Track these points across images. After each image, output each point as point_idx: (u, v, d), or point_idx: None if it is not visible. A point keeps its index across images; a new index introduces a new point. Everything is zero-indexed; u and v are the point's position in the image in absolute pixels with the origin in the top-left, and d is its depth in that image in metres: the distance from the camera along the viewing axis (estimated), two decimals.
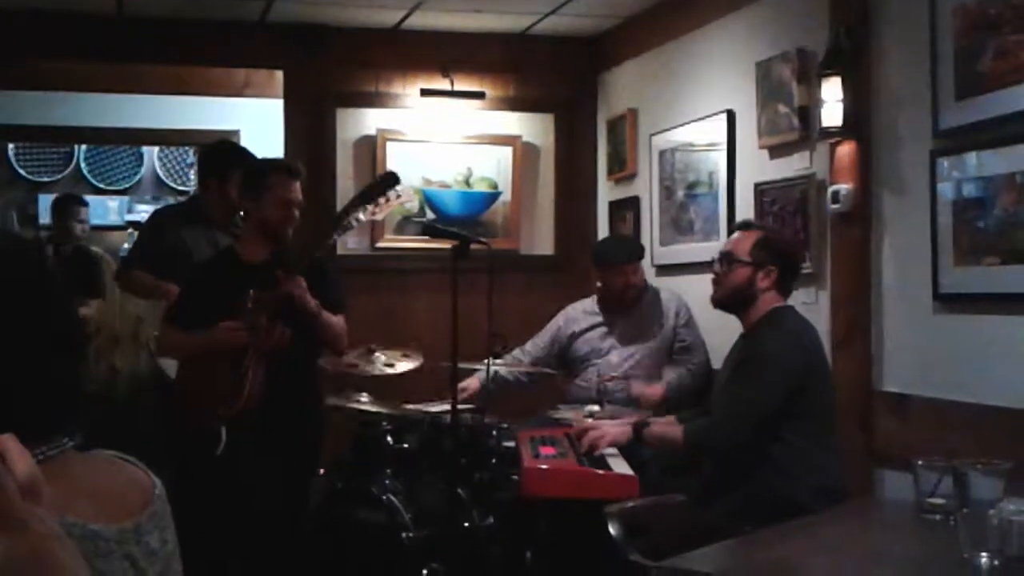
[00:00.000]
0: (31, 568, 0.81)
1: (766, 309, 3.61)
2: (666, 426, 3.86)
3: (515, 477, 4.06)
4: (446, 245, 4.23)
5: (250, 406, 3.98)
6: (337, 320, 4.20)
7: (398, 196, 5.32)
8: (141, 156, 8.51)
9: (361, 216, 5.28)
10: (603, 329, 5.19)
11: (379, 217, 5.36)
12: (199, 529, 3.17)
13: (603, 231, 6.26)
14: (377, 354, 4.78)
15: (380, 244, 6.12)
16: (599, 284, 5.25)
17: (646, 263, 5.52)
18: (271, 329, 3.97)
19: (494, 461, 4.37)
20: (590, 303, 5.32)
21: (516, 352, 5.27)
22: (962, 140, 3.61)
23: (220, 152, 5.25)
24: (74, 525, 1.05)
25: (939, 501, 2.70)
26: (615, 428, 3.92)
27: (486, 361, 4.46)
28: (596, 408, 4.61)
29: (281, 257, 4.11)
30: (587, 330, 5.22)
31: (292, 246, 4.27)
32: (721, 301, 3.71)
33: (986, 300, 3.54)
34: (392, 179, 4.23)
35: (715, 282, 3.71)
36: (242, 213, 4.44)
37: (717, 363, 4.44)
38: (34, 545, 0.81)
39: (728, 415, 3.57)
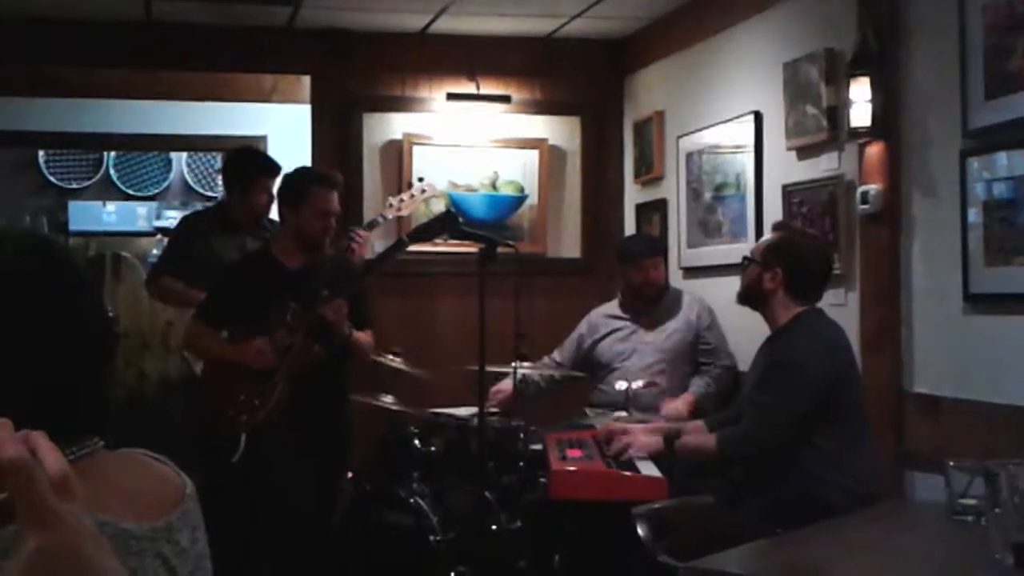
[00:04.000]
0: (63, 564, 0.81)
1: (790, 313, 3.64)
2: (698, 436, 3.85)
3: (542, 480, 4.06)
4: (473, 248, 4.24)
5: (272, 419, 4.05)
6: (365, 337, 4.30)
7: (423, 191, 5.37)
8: (169, 162, 8.56)
9: (388, 213, 5.36)
10: (624, 331, 5.19)
11: (405, 213, 5.43)
12: (229, 530, 3.20)
13: (630, 234, 6.23)
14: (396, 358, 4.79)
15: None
16: (623, 282, 5.26)
17: (673, 265, 5.52)
18: (306, 350, 4.07)
19: (521, 464, 4.37)
20: (611, 307, 5.33)
21: (546, 360, 5.28)
22: (992, 140, 3.59)
23: (242, 160, 5.28)
24: (106, 524, 1.06)
25: (970, 502, 2.68)
26: (645, 437, 3.92)
27: (513, 364, 4.47)
28: (623, 414, 4.60)
29: (324, 274, 4.19)
30: (608, 335, 5.22)
31: (330, 258, 4.36)
32: (739, 296, 3.83)
33: (1017, 300, 3.51)
34: (452, 220, 4.34)
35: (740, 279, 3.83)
36: (279, 218, 4.49)
37: (744, 365, 4.42)
38: (66, 541, 0.82)
39: (760, 422, 3.58)
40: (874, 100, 4.05)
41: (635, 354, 5.11)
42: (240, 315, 4.18)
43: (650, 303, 5.17)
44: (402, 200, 5.36)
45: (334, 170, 4.61)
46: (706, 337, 5.11)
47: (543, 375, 5.11)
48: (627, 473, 3.76)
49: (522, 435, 4.44)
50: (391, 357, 4.71)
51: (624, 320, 5.22)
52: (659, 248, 5.37)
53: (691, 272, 5.57)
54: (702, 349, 5.11)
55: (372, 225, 5.35)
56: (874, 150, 4.13)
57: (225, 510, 3.60)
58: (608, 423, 4.32)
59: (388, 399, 4.64)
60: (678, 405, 4.86)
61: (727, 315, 5.04)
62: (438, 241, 4.36)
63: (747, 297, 3.78)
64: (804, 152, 4.60)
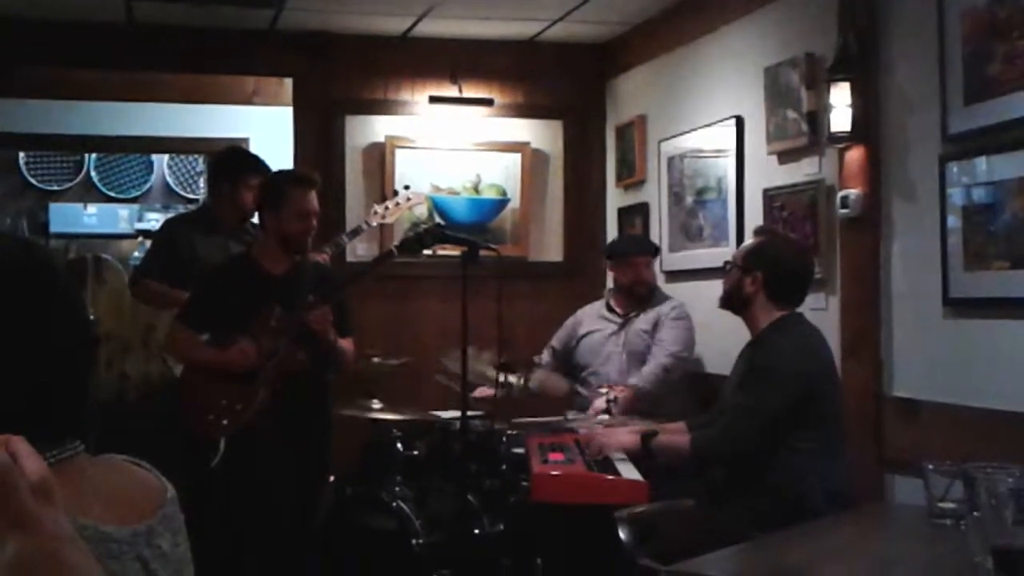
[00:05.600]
0: (43, 568, 0.81)
1: (771, 317, 3.65)
2: (674, 435, 3.87)
3: (525, 483, 4.06)
4: (455, 252, 4.25)
5: (253, 424, 4.04)
6: (348, 345, 4.31)
7: (408, 199, 5.39)
8: (151, 164, 8.53)
9: (372, 220, 5.38)
10: (604, 332, 5.19)
11: (389, 220, 5.45)
12: (210, 534, 3.19)
13: (612, 238, 6.25)
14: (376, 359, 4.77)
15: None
16: (612, 280, 5.25)
17: (656, 269, 5.52)
18: (291, 355, 4.06)
19: (504, 467, 4.37)
20: (598, 306, 5.34)
21: (538, 359, 5.28)
22: (971, 145, 3.61)
23: (230, 158, 5.28)
24: (86, 527, 1.06)
25: (949, 505, 2.69)
26: (624, 436, 3.95)
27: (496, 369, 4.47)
28: (606, 418, 4.60)
29: (308, 280, 4.18)
30: (590, 333, 5.22)
31: (311, 265, 4.36)
32: (720, 301, 3.84)
33: (996, 305, 3.53)
34: (438, 235, 4.33)
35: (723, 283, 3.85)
36: (259, 222, 4.49)
37: (724, 368, 4.43)
38: (46, 545, 0.82)
39: (734, 423, 3.60)
40: (854, 105, 4.07)
41: (613, 356, 5.10)
42: (222, 319, 4.17)
43: (640, 303, 5.17)
44: (387, 208, 5.38)
45: (312, 171, 4.61)
46: (658, 333, 5.04)
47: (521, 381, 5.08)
48: (609, 477, 3.77)
49: (504, 438, 4.44)
50: (376, 360, 4.72)
51: (607, 320, 5.22)
52: (651, 247, 5.37)
53: (673, 276, 5.58)
54: (653, 346, 5.06)
55: (356, 232, 5.36)
56: (854, 154, 4.15)
57: (206, 514, 3.59)
58: (588, 437, 4.31)
59: (372, 403, 4.63)
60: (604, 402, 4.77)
61: (709, 319, 5.03)
62: (417, 247, 4.35)
63: (728, 301, 3.80)
64: (785, 156, 4.62)
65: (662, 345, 5.04)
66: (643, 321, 5.13)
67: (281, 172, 4.62)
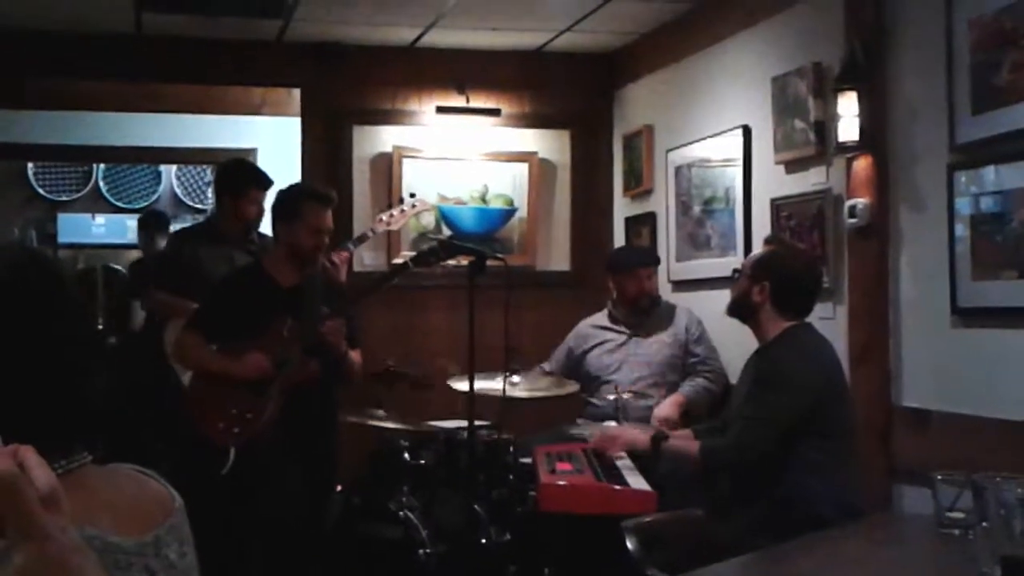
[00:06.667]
0: None
1: (779, 327, 3.64)
2: (683, 441, 3.87)
3: (532, 493, 4.05)
4: (462, 262, 4.25)
5: (266, 434, 4.05)
6: (357, 357, 4.32)
7: (413, 206, 5.40)
8: (159, 175, 8.56)
9: (378, 228, 5.39)
10: (613, 343, 5.19)
11: (395, 227, 5.47)
12: (218, 542, 3.19)
13: (618, 247, 6.24)
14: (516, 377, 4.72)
15: (396, 260, 6.12)
16: (613, 292, 5.26)
17: (662, 279, 5.53)
18: (304, 365, 4.07)
19: (511, 477, 4.36)
20: (599, 317, 5.33)
21: (537, 369, 5.28)
22: (979, 154, 3.60)
23: (234, 170, 5.31)
24: (94, 537, 1.06)
25: (958, 516, 2.68)
26: (636, 434, 4.00)
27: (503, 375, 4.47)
28: (614, 424, 4.61)
29: (319, 291, 4.20)
30: (596, 346, 5.22)
31: (320, 276, 4.37)
32: (728, 309, 3.84)
33: (1005, 314, 3.52)
34: (449, 249, 4.32)
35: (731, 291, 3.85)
36: (272, 235, 4.50)
37: (731, 377, 4.43)
38: (54, 554, 0.82)
39: (742, 434, 3.59)
40: (861, 114, 4.07)
41: (624, 366, 5.11)
42: (232, 329, 4.18)
43: (642, 314, 5.18)
44: (392, 215, 5.40)
45: (328, 187, 4.62)
46: (694, 349, 5.12)
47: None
48: (617, 487, 3.76)
49: (512, 448, 4.43)
50: (387, 370, 4.73)
51: (613, 331, 5.23)
52: (653, 258, 5.40)
53: (680, 285, 5.58)
54: (691, 360, 5.12)
55: (362, 239, 5.38)
56: (862, 164, 4.14)
57: (214, 522, 3.59)
58: (600, 433, 4.32)
59: (379, 413, 4.63)
60: (667, 406, 4.86)
61: (716, 328, 5.04)
62: (432, 259, 4.35)
63: (736, 309, 3.79)
64: (792, 166, 4.62)
65: (702, 363, 5.12)
66: (660, 336, 5.14)
67: (298, 186, 4.63)
